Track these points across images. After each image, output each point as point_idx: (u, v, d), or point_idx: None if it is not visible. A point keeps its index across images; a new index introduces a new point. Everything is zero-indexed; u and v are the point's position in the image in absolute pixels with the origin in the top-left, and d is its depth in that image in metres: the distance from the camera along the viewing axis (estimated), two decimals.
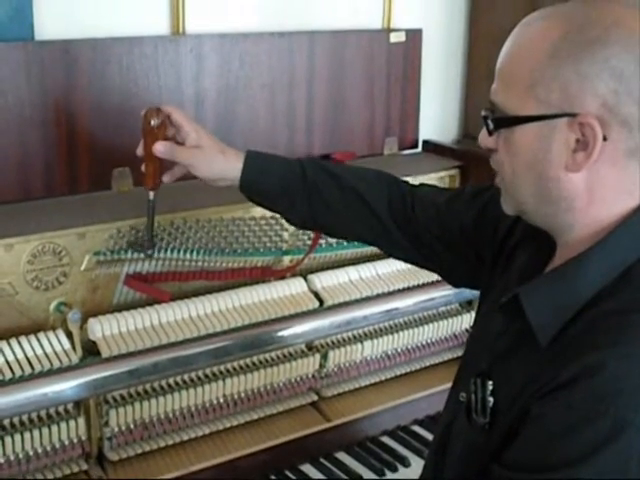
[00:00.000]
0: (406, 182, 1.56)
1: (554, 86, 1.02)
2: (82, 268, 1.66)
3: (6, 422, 1.54)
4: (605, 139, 1.01)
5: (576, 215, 1.07)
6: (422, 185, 1.57)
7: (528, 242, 1.21)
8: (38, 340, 1.57)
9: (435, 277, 2.01)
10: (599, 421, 0.94)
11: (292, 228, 1.91)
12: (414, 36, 2.27)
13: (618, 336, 0.98)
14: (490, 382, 1.13)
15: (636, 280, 1.03)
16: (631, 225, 1.05)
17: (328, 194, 1.51)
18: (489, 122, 1.09)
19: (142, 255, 1.70)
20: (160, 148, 1.48)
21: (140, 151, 1.51)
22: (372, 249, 2.05)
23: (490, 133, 1.10)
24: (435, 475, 1.29)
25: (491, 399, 1.13)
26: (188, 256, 1.78)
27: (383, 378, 2.03)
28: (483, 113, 1.10)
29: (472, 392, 1.15)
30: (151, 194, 1.56)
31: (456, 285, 1.58)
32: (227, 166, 1.50)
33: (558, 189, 1.06)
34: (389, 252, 1.57)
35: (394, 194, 1.52)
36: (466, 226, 1.42)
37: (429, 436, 1.90)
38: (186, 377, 1.73)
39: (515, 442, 1.04)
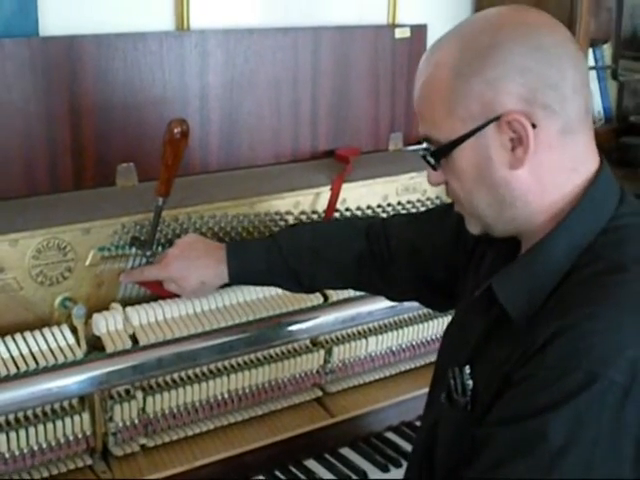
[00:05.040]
0: (377, 226, 1.61)
1: (470, 101, 1.07)
2: (87, 263, 1.66)
3: (11, 417, 1.54)
4: (534, 126, 1.06)
5: (533, 207, 1.11)
6: (393, 220, 1.63)
7: (495, 242, 1.24)
8: (43, 335, 1.57)
9: None
10: (571, 375, 0.98)
11: None
12: (419, 32, 2.26)
13: (588, 298, 1.03)
14: (467, 367, 1.17)
15: (600, 251, 1.08)
16: (586, 201, 1.10)
17: (311, 273, 1.61)
18: (428, 159, 1.14)
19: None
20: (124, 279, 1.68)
21: None
22: None
23: (434, 168, 1.15)
24: (423, 474, 1.30)
25: (470, 382, 1.17)
26: None
27: (388, 374, 2.03)
28: (420, 154, 1.15)
29: (450, 378, 1.19)
30: (160, 200, 1.59)
31: (442, 310, 1.70)
32: (209, 272, 1.61)
33: (510, 190, 1.10)
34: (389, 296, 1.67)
35: (365, 251, 1.58)
36: (441, 249, 1.46)
37: None
38: (190, 372, 1.73)
39: (495, 406, 1.07)
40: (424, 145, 1.15)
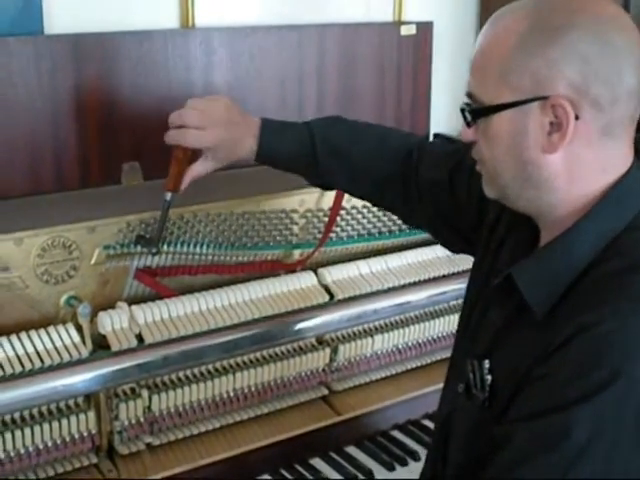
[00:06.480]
0: (413, 154, 1.55)
1: (525, 73, 1.07)
2: (92, 262, 1.66)
3: (16, 415, 1.54)
4: (577, 118, 1.05)
5: (559, 195, 1.11)
6: (430, 147, 1.57)
7: (516, 228, 1.24)
8: (48, 334, 1.57)
9: (446, 271, 2.03)
10: (594, 372, 0.98)
11: (302, 222, 1.90)
12: (425, 29, 2.26)
13: (611, 294, 1.03)
14: (487, 361, 1.16)
15: (624, 248, 1.08)
16: (613, 197, 1.10)
17: (339, 176, 1.58)
18: (467, 114, 1.14)
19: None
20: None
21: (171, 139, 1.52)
22: (383, 243, 2.05)
23: (469, 125, 1.15)
24: (437, 468, 1.30)
25: (489, 377, 1.16)
26: (198, 250, 1.78)
27: (394, 372, 2.02)
28: (461, 106, 1.15)
29: (470, 372, 1.18)
30: (168, 195, 1.57)
31: (455, 251, 1.64)
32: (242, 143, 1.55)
33: (538, 171, 1.10)
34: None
35: (395, 171, 1.54)
36: (466, 199, 1.44)
37: None
38: (196, 371, 1.73)
39: (516, 402, 1.07)
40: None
